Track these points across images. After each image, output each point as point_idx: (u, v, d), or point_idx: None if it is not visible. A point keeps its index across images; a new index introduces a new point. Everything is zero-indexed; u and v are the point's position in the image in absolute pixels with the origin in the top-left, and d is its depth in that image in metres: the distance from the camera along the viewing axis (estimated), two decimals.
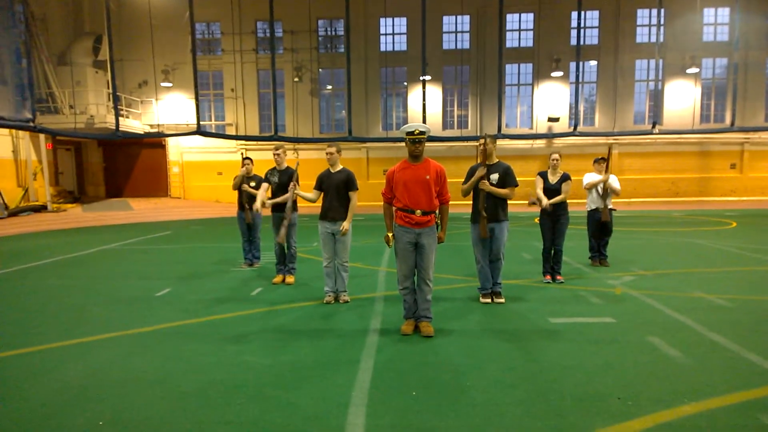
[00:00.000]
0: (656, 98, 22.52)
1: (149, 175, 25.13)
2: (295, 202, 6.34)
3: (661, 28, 21.86)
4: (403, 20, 24.59)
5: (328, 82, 25.48)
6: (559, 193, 6.82)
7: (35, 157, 20.02)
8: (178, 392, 3.57)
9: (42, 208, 18.96)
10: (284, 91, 24.57)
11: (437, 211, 4.81)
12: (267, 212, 7.01)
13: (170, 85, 24.05)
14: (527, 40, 24.61)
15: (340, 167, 5.96)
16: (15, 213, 17.66)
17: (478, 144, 5.82)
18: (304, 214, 6.40)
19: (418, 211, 4.64)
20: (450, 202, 4.87)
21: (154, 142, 24.61)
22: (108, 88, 21.57)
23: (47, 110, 20.85)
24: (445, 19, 24.57)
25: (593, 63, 24.46)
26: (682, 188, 24.37)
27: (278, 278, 7.14)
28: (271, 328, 5.05)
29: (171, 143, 24.74)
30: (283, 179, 6.87)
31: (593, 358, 4.07)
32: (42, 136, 19.50)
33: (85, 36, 22.80)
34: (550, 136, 23.33)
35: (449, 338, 4.62)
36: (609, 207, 7.90)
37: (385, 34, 24.86)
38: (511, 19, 24.48)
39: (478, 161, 5.91)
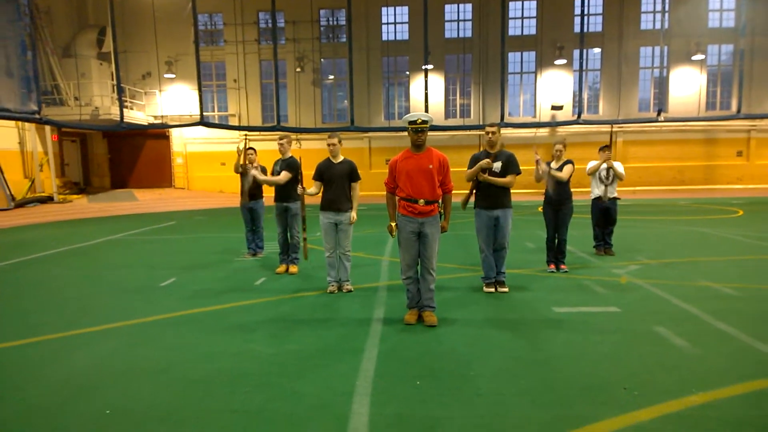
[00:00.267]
0: (661, 85, 22.33)
1: (153, 166, 25.20)
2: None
3: (666, 14, 21.63)
4: (405, 9, 24.40)
5: (330, 72, 25.36)
6: (559, 179, 6.73)
7: (41, 148, 20.07)
8: (183, 381, 3.57)
9: (48, 199, 19.05)
10: (286, 81, 24.48)
11: (440, 201, 4.78)
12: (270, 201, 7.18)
13: (173, 76, 24.03)
14: (530, 27, 24.38)
15: (341, 158, 5.93)
16: (21, 204, 17.75)
17: (484, 132, 5.77)
18: (307, 204, 6.38)
19: (421, 200, 4.61)
20: (453, 192, 4.84)
21: (158, 133, 24.63)
22: (112, 79, 21.57)
23: (52, 102, 20.87)
24: (447, 7, 24.37)
25: (597, 50, 24.23)
26: (688, 176, 24.19)
27: (281, 268, 7.14)
28: (275, 317, 5.05)
29: (175, 134, 24.76)
30: (284, 168, 6.86)
31: (598, 348, 4.05)
32: (47, 128, 19.55)
33: (89, 28, 22.78)
34: (553, 124, 23.17)
35: (453, 327, 4.61)
36: (614, 196, 7.85)
37: (387, 24, 24.69)
38: (514, 7, 24.26)
39: (481, 149, 5.86)
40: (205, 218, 15.69)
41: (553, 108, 23.89)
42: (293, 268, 7.10)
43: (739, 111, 21.34)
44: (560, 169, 6.75)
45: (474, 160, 5.78)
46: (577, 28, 22.75)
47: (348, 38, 20.74)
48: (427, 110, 20.58)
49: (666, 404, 3.10)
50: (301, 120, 24.39)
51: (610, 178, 7.81)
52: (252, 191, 8.09)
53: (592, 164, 7.87)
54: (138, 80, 24.23)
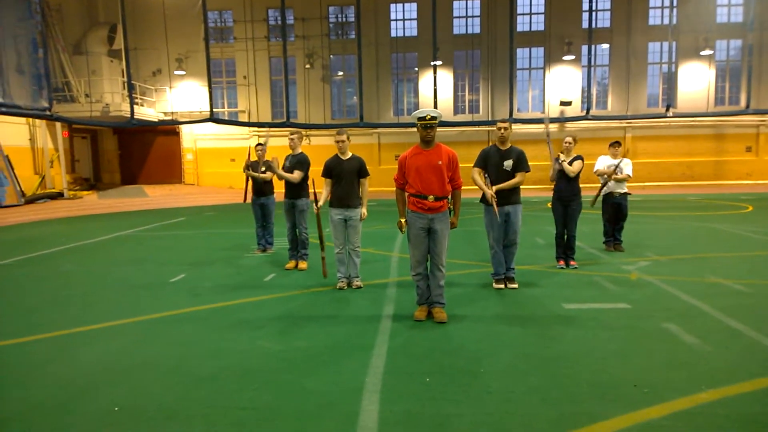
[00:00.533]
0: (670, 81, 22.12)
1: (163, 162, 25.33)
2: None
3: (674, 9, 21.40)
4: (414, 5, 24.32)
5: (340, 69, 25.35)
6: (568, 173, 6.71)
7: (51, 145, 20.22)
8: (191, 378, 3.60)
9: (58, 196, 19.19)
10: (296, 77, 24.51)
11: (450, 197, 4.78)
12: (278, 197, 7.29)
13: (183, 73, 24.14)
14: (538, 23, 24.24)
15: (350, 154, 5.94)
16: (32, 200, 17.90)
17: (496, 128, 5.74)
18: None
19: (431, 196, 4.61)
20: (462, 187, 4.84)
21: (168, 129, 24.76)
22: (123, 76, 21.69)
23: (63, 99, 21.03)
24: (456, 3, 24.27)
25: (605, 46, 24.04)
26: (697, 172, 23.98)
27: (291, 264, 7.17)
28: (283, 313, 5.07)
29: (185, 130, 24.88)
30: (292, 163, 6.89)
31: (608, 345, 4.04)
32: (58, 125, 19.68)
33: (100, 25, 22.91)
34: (562, 120, 23.01)
35: (462, 324, 4.61)
36: (624, 191, 7.83)
37: (396, 20, 24.63)
38: (522, 3, 24.11)
39: (490, 144, 5.85)
40: (215, 214, 15.77)
41: (562, 104, 23.74)
42: (302, 264, 7.13)
43: (748, 106, 21.13)
44: (570, 163, 6.72)
45: (483, 156, 5.76)
46: (585, 24, 22.57)
47: (357, 35, 20.72)
48: (436, 106, 20.54)
49: (676, 402, 3.09)
50: (310, 116, 24.42)
51: (618, 172, 7.77)
52: (263, 187, 8.13)
53: (600, 165, 7.83)
54: (148, 77, 24.36)
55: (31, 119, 18.88)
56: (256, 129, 24.01)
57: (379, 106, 24.57)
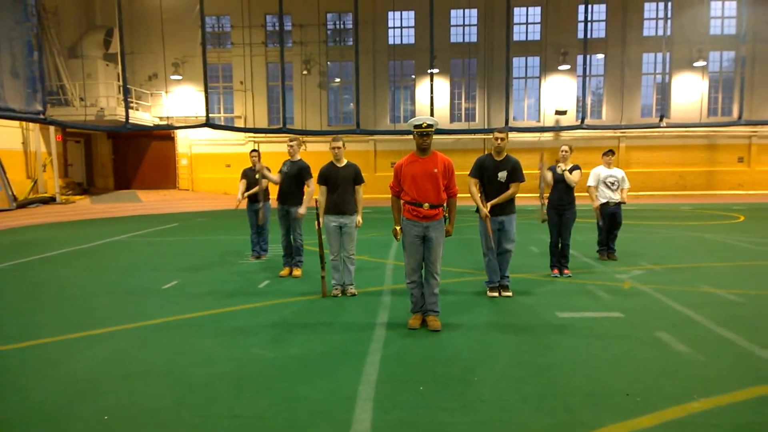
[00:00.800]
0: (663, 91, 22.33)
1: (158, 167, 25.25)
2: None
3: (668, 21, 21.64)
4: (411, 14, 24.47)
5: (337, 75, 25.43)
6: (564, 182, 6.76)
7: (45, 148, 20.15)
8: (184, 385, 3.58)
9: (51, 200, 19.10)
10: (293, 83, 24.56)
11: (445, 205, 4.79)
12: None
13: (180, 77, 24.12)
14: (534, 33, 24.46)
15: (345, 161, 5.96)
16: (24, 204, 17.80)
17: (493, 138, 5.76)
18: (313, 207, 6.41)
19: (426, 204, 4.62)
20: (458, 195, 4.86)
21: (164, 134, 24.72)
22: (118, 80, 21.67)
23: (58, 102, 20.98)
24: (453, 12, 24.44)
25: (600, 56, 24.30)
26: (690, 182, 24.18)
27: (285, 271, 7.16)
28: (278, 320, 5.06)
29: (180, 135, 24.84)
30: (291, 170, 6.88)
31: (601, 354, 4.05)
32: (52, 128, 19.63)
33: (96, 29, 22.90)
34: (557, 129, 23.20)
35: (457, 332, 4.61)
36: (619, 200, 7.89)
37: (393, 28, 24.77)
38: (519, 13, 24.33)
39: (485, 152, 5.88)
40: (209, 220, 15.73)
41: (557, 113, 23.93)
42: (297, 272, 7.12)
43: (740, 117, 21.33)
44: (570, 172, 6.76)
45: (479, 165, 5.79)
46: (580, 34, 22.80)
47: (355, 42, 20.81)
48: (432, 114, 20.62)
49: (668, 411, 3.10)
50: (307, 122, 24.45)
51: (616, 184, 7.86)
52: (259, 193, 8.08)
53: (593, 179, 7.91)
54: (144, 81, 24.33)
55: (24, 122, 18.80)
56: (251, 135, 24.01)
57: (376, 114, 24.64)
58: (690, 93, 23.93)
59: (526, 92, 24.97)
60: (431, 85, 20.91)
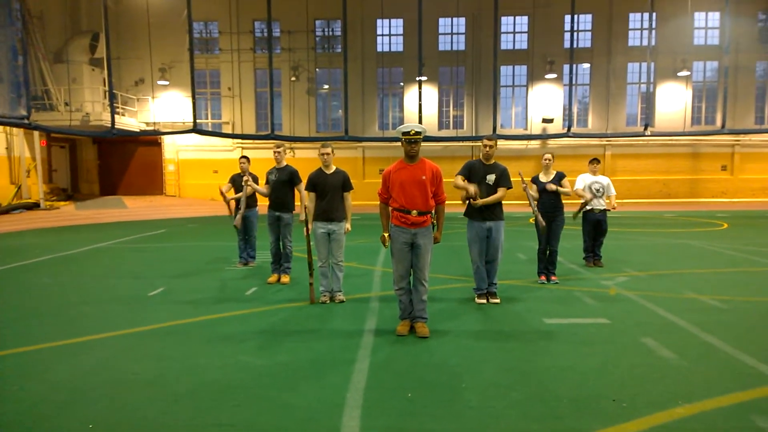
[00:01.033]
0: (648, 100, 22.65)
1: (144, 173, 25.02)
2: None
3: (653, 31, 22.00)
4: (400, 21, 24.61)
5: (325, 82, 25.46)
6: (553, 191, 6.82)
7: (29, 154, 19.88)
8: (170, 394, 3.54)
9: (34, 206, 18.81)
10: (281, 90, 24.53)
11: (433, 212, 4.81)
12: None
13: (167, 83, 23.98)
14: (522, 42, 24.72)
15: (334, 168, 5.96)
16: (7, 211, 17.52)
17: (482, 145, 5.80)
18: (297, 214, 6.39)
19: (414, 211, 4.63)
20: (446, 202, 4.88)
21: (150, 140, 24.51)
22: (104, 85, 21.46)
23: (42, 107, 20.71)
24: (441, 20, 24.63)
25: (586, 65, 24.60)
26: (674, 189, 24.53)
27: (273, 277, 7.12)
28: (265, 328, 5.03)
29: (167, 141, 24.67)
30: (281, 176, 6.87)
31: (588, 360, 4.08)
32: (36, 133, 19.38)
33: (82, 34, 22.68)
34: (544, 137, 23.41)
35: (445, 339, 4.62)
36: (604, 207, 7.98)
37: (382, 35, 24.88)
38: (506, 22, 24.58)
39: (473, 159, 5.92)
40: (197, 226, 15.62)
41: (544, 121, 24.16)
42: (285, 278, 7.08)
43: (723, 126, 21.67)
44: (558, 181, 6.81)
45: (468, 166, 5.82)
46: (567, 44, 23.09)
47: (343, 48, 20.86)
48: (420, 121, 20.69)
49: (653, 416, 3.13)
50: (295, 129, 24.42)
51: (601, 191, 7.96)
52: (247, 200, 8.03)
53: (580, 184, 7.96)
54: (131, 86, 24.16)
55: (8, 127, 18.56)
56: (239, 141, 23.92)
57: (364, 120, 24.69)
58: (674, 102, 24.31)
59: (513, 100, 25.19)
60: (419, 93, 21.01)
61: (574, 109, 24.43)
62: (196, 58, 20.87)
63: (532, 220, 7.00)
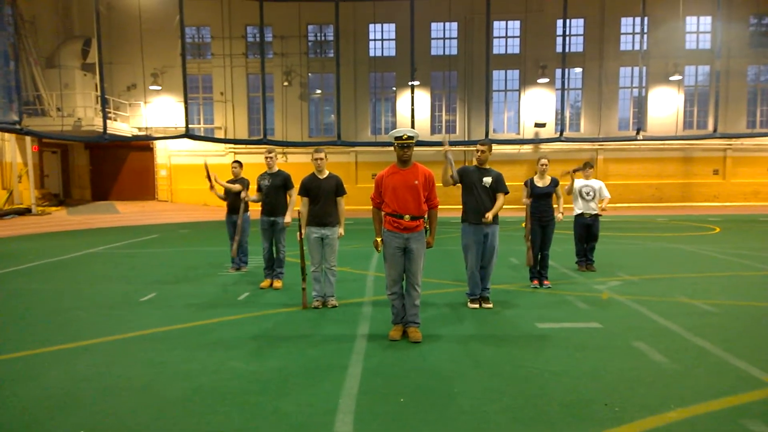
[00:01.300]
0: (640, 105, 22.83)
1: (136, 178, 24.91)
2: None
3: (645, 36, 22.18)
4: (392, 26, 24.68)
5: (318, 87, 25.47)
6: (548, 196, 6.87)
7: (20, 159, 19.77)
8: (161, 400, 3.52)
9: (26, 211, 18.70)
10: (274, 95, 24.52)
11: (426, 216, 4.81)
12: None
13: (159, 88, 23.89)
14: (514, 46, 24.85)
15: (327, 173, 5.96)
16: None
17: (475, 150, 5.83)
18: (295, 218, 6.38)
19: (407, 216, 4.64)
20: (439, 207, 4.88)
21: (142, 145, 24.42)
22: (96, 90, 21.36)
23: (34, 112, 20.58)
24: (434, 25, 24.72)
25: (578, 70, 24.76)
26: (666, 194, 24.68)
27: (266, 283, 7.10)
28: (257, 333, 5.01)
29: (159, 146, 24.57)
30: (275, 182, 6.86)
31: (580, 364, 4.08)
32: (28, 139, 19.28)
33: (74, 39, 22.58)
34: (536, 141, 23.54)
35: (437, 344, 4.62)
36: (596, 212, 8.00)
37: (374, 40, 24.95)
38: (498, 26, 24.71)
39: (465, 164, 5.93)
40: (189, 231, 15.55)
41: (536, 125, 24.29)
42: (277, 283, 7.06)
43: (715, 130, 21.85)
44: (547, 191, 6.87)
45: (462, 170, 5.82)
46: (559, 48, 23.22)
47: (336, 53, 20.90)
48: (413, 126, 20.75)
49: (645, 420, 3.14)
50: (287, 134, 24.39)
51: (592, 194, 7.98)
52: (237, 205, 8.01)
53: (575, 183, 7.99)
54: (123, 92, 24.07)
55: None
56: (232, 146, 23.87)
57: (357, 125, 24.71)
58: (666, 106, 24.50)
59: (505, 105, 25.30)
60: (412, 98, 21.06)
61: (567, 114, 24.53)
62: (188, 63, 20.86)
63: (523, 224, 7.01)
